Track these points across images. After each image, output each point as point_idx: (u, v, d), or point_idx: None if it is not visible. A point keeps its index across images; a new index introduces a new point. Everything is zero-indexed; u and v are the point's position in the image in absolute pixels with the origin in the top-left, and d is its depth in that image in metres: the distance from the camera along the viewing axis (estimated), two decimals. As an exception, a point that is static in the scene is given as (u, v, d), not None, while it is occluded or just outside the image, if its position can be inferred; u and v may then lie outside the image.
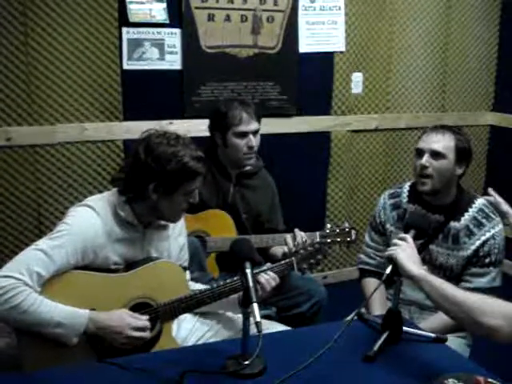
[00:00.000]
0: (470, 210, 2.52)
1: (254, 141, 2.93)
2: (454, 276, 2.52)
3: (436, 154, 2.47)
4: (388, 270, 1.97)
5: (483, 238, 2.47)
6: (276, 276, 2.27)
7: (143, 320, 2.08)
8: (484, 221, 2.49)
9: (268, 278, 2.24)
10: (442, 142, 2.48)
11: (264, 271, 2.25)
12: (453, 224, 2.52)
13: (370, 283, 2.72)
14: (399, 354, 1.95)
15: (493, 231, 2.48)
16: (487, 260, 2.48)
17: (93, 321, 2.00)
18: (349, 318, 2.48)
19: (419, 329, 2.13)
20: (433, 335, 2.06)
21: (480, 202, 2.56)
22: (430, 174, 2.47)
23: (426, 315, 2.54)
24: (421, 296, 2.53)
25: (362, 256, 2.81)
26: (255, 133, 2.95)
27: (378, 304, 2.56)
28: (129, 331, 2.02)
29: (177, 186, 2.12)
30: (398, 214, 2.66)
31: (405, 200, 2.65)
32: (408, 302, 2.57)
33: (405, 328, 2.03)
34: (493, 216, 2.52)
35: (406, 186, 2.71)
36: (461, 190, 2.58)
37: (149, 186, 2.10)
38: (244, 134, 2.91)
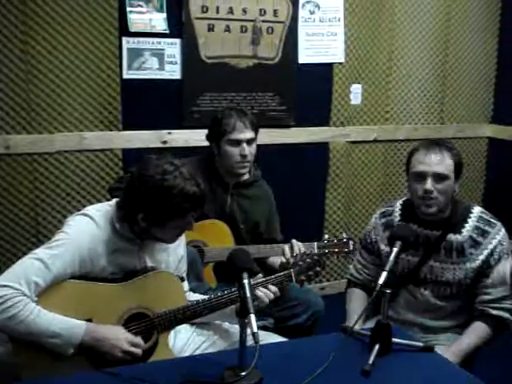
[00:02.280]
0: (470, 220, 2.47)
1: (247, 150, 2.89)
2: (463, 291, 2.47)
3: (440, 177, 2.39)
4: (381, 281, 1.96)
5: (490, 247, 2.42)
6: (277, 290, 2.26)
7: (138, 337, 2.08)
8: (487, 228, 2.45)
9: (266, 292, 2.23)
10: (444, 164, 2.39)
11: (263, 284, 2.24)
12: (454, 237, 2.45)
13: (355, 294, 2.71)
14: (393, 366, 1.94)
15: (498, 237, 2.44)
16: None
17: (89, 332, 1.99)
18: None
19: (407, 338, 2.11)
20: (421, 344, 2.06)
21: (477, 209, 2.51)
22: (435, 197, 2.39)
23: (429, 337, 2.50)
24: (423, 319, 2.54)
25: (352, 268, 2.79)
26: (249, 142, 2.92)
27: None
28: (124, 345, 2.02)
29: (165, 221, 2.09)
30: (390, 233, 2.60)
31: (397, 219, 2.59)
32: (409, 324, 2.54)
33: (393, 339, 2.02)
34: (494, 221, 2.48)
35: (398, 205, 2.64)
36: (455, 202, 2.51)
37: (138, 214, 2.08)
38: (237, 142, 2.89)
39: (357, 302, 2.66)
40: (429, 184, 2.39)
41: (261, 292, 2.22)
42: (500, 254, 2.43)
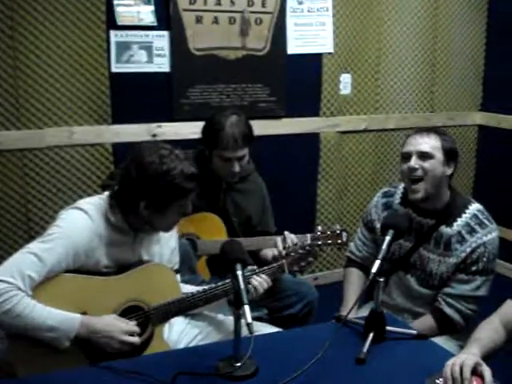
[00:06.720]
0: (464, 215, 2.45)
1: (237, 167, 2.85)
2: (442, 284, 2.48)
3: (424, 155, 2.41)
4: (374, 269, 1.95)
5: (474, 246, 2.39)
6: (268, 278, 2.28)
7: (132, 325, 2.08)
8: (477, 227, 2.41)
9: (261, 281, 2.24)
10: (429, 143, 2.42)
11: (256, 273, 2.25)
12: (445, 229, 2.45)
13: (352, 276, 2.73)
14: (388, 354, 1.96)
15: (485, 239, 2.40)
16: (474, 268, 2.40)
17: (85, 325, 1.99)
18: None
19: (401, 326, 2.13)
20: (415, 332, 2.07)
21: (475, 207, 2.48)
22: (421, 177, 2.40)
23: None
24: (412, 304, 2.55)
25: (352, 245, 2.81)
26: (241, 158, 2.88)
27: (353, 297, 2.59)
28: (121, 335, 2.02)
29: (168, 204, 2.11)
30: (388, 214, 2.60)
31: (397, 201, 2.61)
32: (400, 309, 2.56)
33: (388, 327, 2.04)
34: (487, 223, 2.43)
35: (401, 188, 2.64)
36: (454, 194, 2.51)
37: (140, 203, 2.09)
38: (228, 159, 2.85)
39: (353, 286, 2.69)
40: (412, 161, 2.42)
41: (256, 281, 2.23)
42: (479, 255, 2.40)
